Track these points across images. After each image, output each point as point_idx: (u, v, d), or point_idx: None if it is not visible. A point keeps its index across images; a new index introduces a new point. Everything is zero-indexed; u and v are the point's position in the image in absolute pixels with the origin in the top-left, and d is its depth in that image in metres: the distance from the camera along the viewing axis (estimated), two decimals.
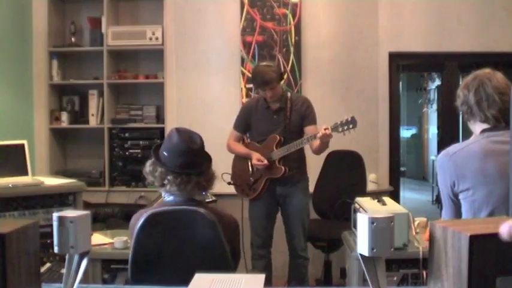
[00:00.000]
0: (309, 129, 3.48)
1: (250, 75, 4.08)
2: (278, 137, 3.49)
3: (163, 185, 2.13)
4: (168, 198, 2.18)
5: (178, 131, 2.16)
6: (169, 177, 2.10)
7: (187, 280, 1.52)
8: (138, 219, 2.06)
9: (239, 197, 3.73)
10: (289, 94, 3.63)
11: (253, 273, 3.39)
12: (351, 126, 3.16)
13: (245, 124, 3.67)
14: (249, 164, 3.59)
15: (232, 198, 3.82)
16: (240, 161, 3.67)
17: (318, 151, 3.48)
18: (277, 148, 3.49)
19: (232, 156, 3.73)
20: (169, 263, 2.02)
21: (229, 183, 3.67)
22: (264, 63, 3.56)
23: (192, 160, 2.11)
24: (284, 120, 3.52)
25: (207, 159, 2.21)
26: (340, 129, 3.18)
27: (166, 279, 1.79)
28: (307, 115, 3.52)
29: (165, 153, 2.13)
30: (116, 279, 2.87)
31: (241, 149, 3.67)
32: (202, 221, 2.01)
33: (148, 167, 2.17)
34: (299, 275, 3.64)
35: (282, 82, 3.75)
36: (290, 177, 3.52)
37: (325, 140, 3.26)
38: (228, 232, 2.09)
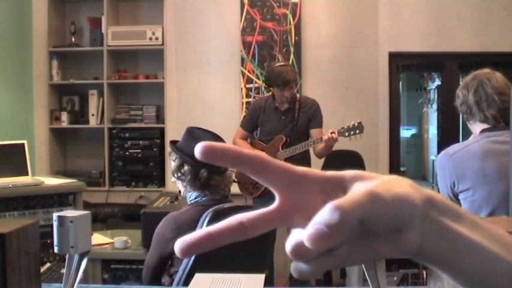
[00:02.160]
0: (313, 132, 3.49)
1: (248, 73, 4.08)
2: (284, 138, 3.50)
3: (206, 186, 2.13)
4: (202, 199, 2.17)
5: (203, 130, 2.19)
6: (215, 177, 2.12)
7: None
8: (176, 223, 2.07)
9: (240, 196, 3.74)
10: (298, 95, 3.63)
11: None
12: (357, 131, 3.17)
13: (252, 123, 3.68)
14: None
15: (234, 198, 3.83)
16: None
17: (321, 154, 3.48)
18: (283, 149, 3.49)
19: None
20: (226, 260, 2.05)
21: (233, 181, 3.68)
22: (281, 63, 3.55)
23: None
24: (292, 121, 3.53)
25: None
26: (346, 134, 3.19)
27: None
28: (314, 118, 3.53)
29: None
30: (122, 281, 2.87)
31: (246, 147, 3.67)
32: None
33: (184, 167, 2.15)
34: None
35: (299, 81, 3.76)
36: None
37: (330, 144, 3.26)
38: None
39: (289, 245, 0.43)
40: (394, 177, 0.47)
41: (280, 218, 0.48)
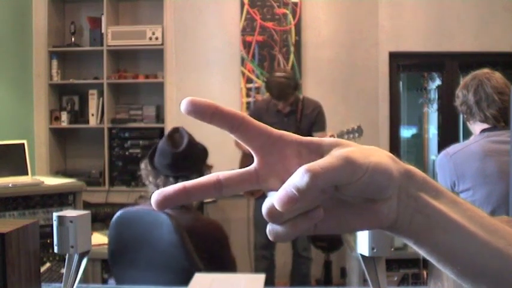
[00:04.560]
0: (317, 136, 3.49)
1: (248, 73, 4.07)
2: None
3: (147, 185, 2.16)
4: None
5: (170, 133, 2.16)
6: (151, 179, 2.11)
7: (147, 281, 1.55)
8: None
9: (242, 197, 3.74)
10: (301, 96, 3.63)
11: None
12: (356, 135, 3.19)
13: None
14: None
15: (236, 198, 3.83)
16: (247, 159, 3.68)
17: None
18: None
19: (235, 155, 3.74)
20: (132, 262, 2.06)
21: None
22: (281, 74, 3.53)
23: (176, 163, 2.07)
24: (294, 123, 3.53)
25: (197, 162, 2.16)
26: (345, 137, 3.21)
27: (129, 276, 1.87)
28: (317, 121, 3.53)
29: (156, 155, 2.14)
30: None
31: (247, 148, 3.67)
32: (165, 224, 1.99)
33: (143, 168, 2.18)
34: (301, 275, 3.64)
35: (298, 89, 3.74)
36: None
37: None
38: (203, 240, 2.03)
39: (264, 207, 0.43)
40: (374, 147, 0.47)
41: (256, 179, 0.47)
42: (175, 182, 2.00)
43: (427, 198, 0.47)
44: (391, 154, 0.47)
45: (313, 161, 0.42)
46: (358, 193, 0.44)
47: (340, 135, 3.22)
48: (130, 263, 2.04)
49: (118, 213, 2.07)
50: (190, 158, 2.12)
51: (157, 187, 2.08)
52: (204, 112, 0.46)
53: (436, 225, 0.47)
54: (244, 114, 0.47)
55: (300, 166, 0.41)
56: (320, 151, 0.46)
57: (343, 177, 0.42)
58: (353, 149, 0.45)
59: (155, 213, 2.01)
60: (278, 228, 0.44)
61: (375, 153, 0.45)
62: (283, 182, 0.41)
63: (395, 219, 0.46)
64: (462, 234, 0.48)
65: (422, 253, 0.50)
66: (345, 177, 0.42)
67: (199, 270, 1.91)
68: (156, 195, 0.45)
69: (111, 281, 2.84)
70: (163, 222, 1.98)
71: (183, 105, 0.45)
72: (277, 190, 0.41)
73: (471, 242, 0.48)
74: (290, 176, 0.41)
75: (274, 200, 0.41)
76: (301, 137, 0.48)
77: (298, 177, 0.40)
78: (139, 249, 2.05)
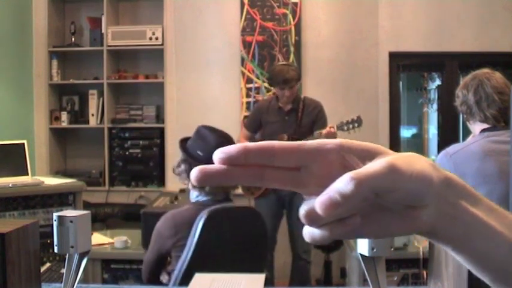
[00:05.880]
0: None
1: (248, 73, 4.08)
2: (286, 137, 3.50)
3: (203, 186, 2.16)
4: (203, 198, 2.19)
5: (211, 130, 2.20)
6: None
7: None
8: (174, 220, 2.09)
9: (242, 197, 3.74)
10: (302, 96, 3.64)
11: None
12: (356, 124, 3.20)
13: (256, 124, 3.68)
14: None
15: (236, 198, 3.83)
16: None
17: None
18: None
19: None
20: (226, 258, 2.05)
21: None
22: (283, 63, 3.58)
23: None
24: (295, 122, 3.53)
25: None
26: (345, 128, 3.22)
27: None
28: (318, 120, 3.53)
29: (200, 152, 2.15)
30: (121, 281, 2.87)
31: None
32: (253, 215, 2.08)
33: (182, 166, 2.18)
34: (301, 277, 3.64)
35: (300, 82, 3.77)
36: None
37: (329, 139, 3.27)
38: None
39: (302, 209, 0.44)
40: (414, 154, 0.47)
41: (297, 182, 0.48)
42: None
43: (465, 205, 0.48)
44: (431, 161, 0.48)
45: (353, 166, 0.43)
46: (399, 200, 0.45)
47: (340, 126, 3.23)
48: (222, 262, 2.04)
49: (206, 215, 2.04)
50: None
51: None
52: (237, 157, 0.46)
53: (475, 232, 0.48)
54: (270, 142, 0.47)
55: (341, 172, 0.42)
56: (361, 156, 0.47)
57: (386, 185, 0.43)
58: (396, 157, 0.45)
59: (240, 208, 2.17)
60: (315, 231, 0.45)
61: (417, 161, 0.46)
62: (323, 187, 0.42)
63: (434, 226, 0.47)
64: (500, 241, 0.48)
65: (460, 259, 0.51)
66: (389, 184, 0.43)
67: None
68: (197, 171, 0.45)
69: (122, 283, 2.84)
70: (247, 214, 2.06)
71: (217, 158, 0.46)
72: (315, 195, 0.42)
73: (510, 249, 0.48)
74: (330, 181, 0.42)
75: (316, 203, 0.41)
76: (341, 141, 0.48)
77: (343, 184, 0.41)
78: (232, 245, 2.09)
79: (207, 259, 2.03)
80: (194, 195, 2.23)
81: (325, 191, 0.41)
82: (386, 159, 0.44)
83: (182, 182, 2.23)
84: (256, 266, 1.82)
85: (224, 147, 0.46)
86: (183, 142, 2.25)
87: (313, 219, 0.43)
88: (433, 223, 0.47)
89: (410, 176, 0.43)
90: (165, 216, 2.19)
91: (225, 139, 2.20)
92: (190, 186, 2.21)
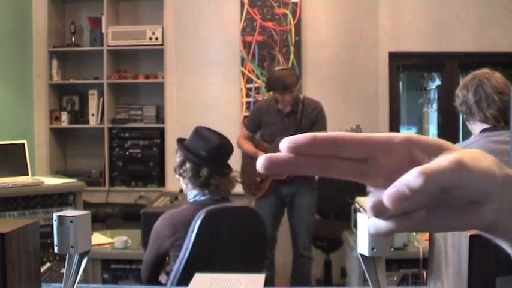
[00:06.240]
0: None
1: (248, 73, 4.07)
2: None
3: (206, 185, 2.16)
4: (201, 197, 2.19)
5: (210, 130, 2.23)
6: (216, 177, 2.15)
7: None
8: (173, 220, 2.09)
9: (243, 197, 3.74)
10: (302, 96, 3.63)
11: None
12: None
13: (255, 125, 3.68)
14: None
15: (237, 198, 3.83)
16: (250, 160, 3.70)
17: None
18: None
19: (235, 155, 3.74)
20: (224, 259, 2.05)
21: (237, 181, 3.69)
22: (280, 67, 3.57)
23: (228, 160, 2.19)
24: (295, 123, 3.52)
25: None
26: None
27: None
28: (317, 121, 3.53)
29: (203, 152, 2.16)
30: (121, 281, 2.87)
31: (249, 147, 3.68)
32: (251, 215, 2.08)
33: (187, 164, 2.18)
34: (302, 274, 3.64)
35: (300, 83, 3.77)
36: (296, 178, 3.52)
37: None
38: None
39: (369, 201, 0.44)
40: (478, 151, 0.48)
41: (363, 173, 0.48)
42: (227, 179, 2.06)
43: None
44: (494, 158, 0.48)
45: (420, 161, 0.44)
46: (464, 195, 0.45)
47: None
48: (220, 262, 2.03)
49: (203, 215, 2.04)
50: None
51: (212, 185, 2.18)
52: (305, 147, 0.46)
53: None
54: (342, 133, 0.47)
55: (408, 166, 0.43)
56: (428, 152, 0.48)
57: (454, 181, 0.43)
58: (463, 153, 0.46)
59: (238, 207, 2.16)
60: (381, 223, 0.45)
61: (482, 157, 0.46)
62: (388, 180, 0.43)
63: (495, 222, 0.48)
64: None
65: None
66: (456, 180, 0.44)
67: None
68: (263, 159, 0.45)
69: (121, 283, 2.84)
70: (247, 214, 2.07)
71: (284, 147, 0.46)
72: (381, 187, 0.43)
73: None
74: (396, 174, 0.43)
75: (384, 195, 0.42)
76: (409, 135, 0.49)
77: (412, 178, 0.42)
78: (231, 245, 2.09)
79: (205, 259, 2.03)
80: (192, 195, 2.23)
81: (394, 184, 0.42)
82: (453, 155, 0.45)
83: (184, 181, 2.23)
84: (255, 266, 1.82)
85: (292, 137, 0.46)
86: (181, 142, 2.26)
87: (380, 211, 0.44)
88: (495, 219, 0.47)
89: (477, 172, 0.44)
90: (163, 216, 2.19)
91: (225, 139, 2.22)
92: (188, 186, 2.21)
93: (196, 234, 2.01)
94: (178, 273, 2.02)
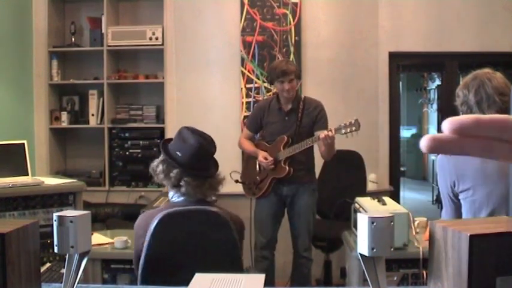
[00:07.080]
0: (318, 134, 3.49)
1: (248, 73, 4.07)
2: (286, 138, 3.49)
3: (178, 186, 2.13)
4: (178, 199, 2.18)
5: (193, 132, 2.18)
6: (186, 179, 2.11)
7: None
8: (147, 220, 2.07)
9: (244, 197, 3.74)
10: (303, 96, 3.63)
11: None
12: (353, 128, 3.17)
13: (256, 124, 3.68)
14: (257, 162, 3.61)
15: (237, 198, 3.83)
16: (250, 160, 3.70)
17: (325, 155, 3.48)
18: (284, 149, 3.50)
19: (235, 155, 3.74)
20: (183, 263, 2.03)
21: (236, 181, 3.69)
22: (281, 59, 3.63)
23: (207, 163, 2.14)
24: (295, 122, 3.52)
25: (215, 161, 2.26)
26: (343, 131, 3.19)
27: (179, 280, 1.80)
28: (318, 119, 3.52)
29: (178, 153, 2.14)
30: (118, 280, 2.87)
31: (249, 147, 3.68)
32: (216, 220, 2.03)
33: (160, 166, 2.17)
34: (301, 275, 3.64)
35: (300, 82, 3.78)
36: (296, 178, 3.52)
37: (326, 142, 3.25)
38: (237, 232, 2.11)
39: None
40: None
41: None
42: (203, 182, 2.00)
43: None
44: None
45: None
46: None
47: (338, 130, 3.21)
48: (179, 265, 2.01)
49: (159, 217, 2.01)
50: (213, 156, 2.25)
51: (182, 187, 2.13)
52: (469, 127, 0.46)
53: None
54: (507, 115, 0.47)
55: None
56: None
57: None
58: None
59: (199, 210, 2.06)
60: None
61: None
62: None
63: None
64: None
65: None
66: None
67: (241, 260, 2.06)
68: (427, 139, 0.45)
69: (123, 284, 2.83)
70: (210, 218, 2.02)
71: (448, 128, 0.46)
72: None
73: None
74: None
75: None
76: None
77: None
78: (189, 249, 2.06)
79: (160, 261, 2.03)
80: (170, 196, 2.23)
81: None
82: None
83: (159, 182, 2.22)
84: (220, 269, 1.76)
85: (456, 117, 0.46)
86: (165, 143, 2.26)
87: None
88: None
89: None
90: (140, 216, 2.20)
91: (205, 140, 2.16)
92: (168, 187, 2.21)
93: (151, 236, 2.01)
94: (140, 274, 2.04)
